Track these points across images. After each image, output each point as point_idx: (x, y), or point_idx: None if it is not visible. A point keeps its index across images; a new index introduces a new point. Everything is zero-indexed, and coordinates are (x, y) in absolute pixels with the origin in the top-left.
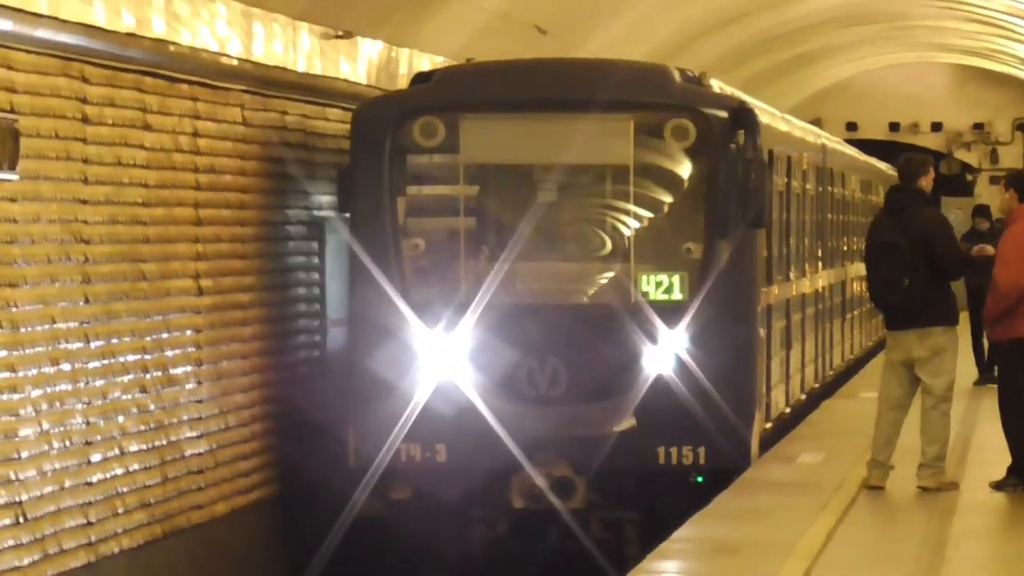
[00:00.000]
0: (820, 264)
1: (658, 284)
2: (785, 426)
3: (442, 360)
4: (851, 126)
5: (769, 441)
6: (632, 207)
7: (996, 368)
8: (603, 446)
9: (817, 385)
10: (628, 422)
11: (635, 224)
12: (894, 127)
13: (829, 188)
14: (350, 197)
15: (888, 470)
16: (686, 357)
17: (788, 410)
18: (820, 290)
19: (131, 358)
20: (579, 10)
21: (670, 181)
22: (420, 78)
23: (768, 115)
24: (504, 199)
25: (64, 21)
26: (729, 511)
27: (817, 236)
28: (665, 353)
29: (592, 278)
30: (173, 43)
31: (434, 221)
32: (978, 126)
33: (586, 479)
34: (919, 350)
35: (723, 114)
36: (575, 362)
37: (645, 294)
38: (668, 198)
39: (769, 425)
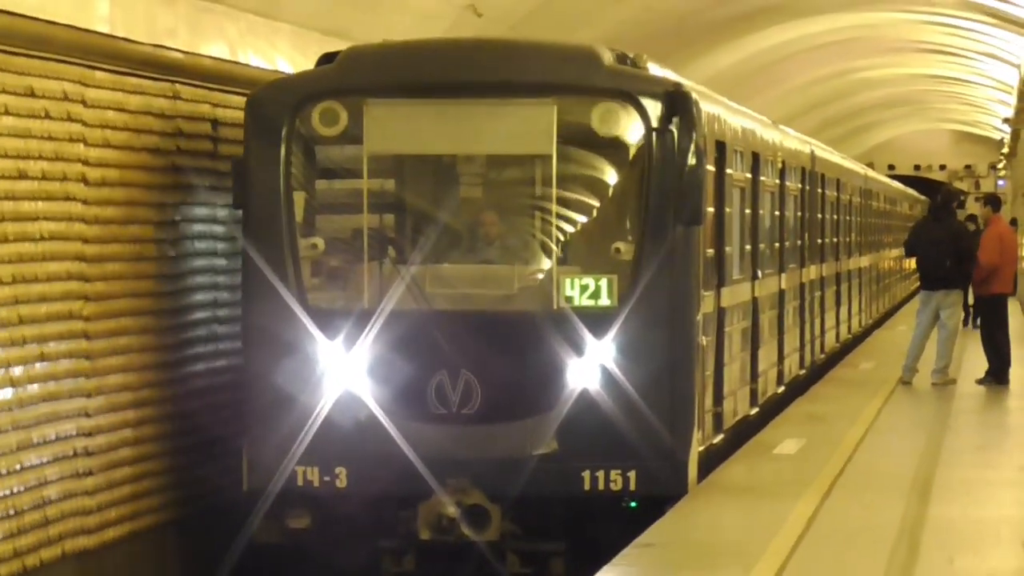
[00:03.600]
0: (808, 259)
1: (583, 288)
2: (751, 428)
3: (342, 373)
4: (891, 167)
5: (719, 455)
6: (555, 203)
7: (975, 315)
8: (521, 470)
9: (804, 371)
10: (549, 443)
11: (559, 222)
12: (917, 167)
13: (820, 190)
14: (243, 191)
15: (915, 373)
16: (615, 370)
17: (755, 411)
18: (807, 283)
19: None
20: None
21: (598, 173)
22: (325, 59)
23: (721, 106)
24: (413, 194)
25: None
26: (817, 396)
27: (803, 234)
28: (591, 366)
29: (510, 282)
30: None
31: (335, 219)
32: (967, 167)
33: (501, 507)
34: (943, 302)
35: (657, 98)
36: (490, 376)
37: (569, 300)
38: (596, 192)
39: (720, 438)
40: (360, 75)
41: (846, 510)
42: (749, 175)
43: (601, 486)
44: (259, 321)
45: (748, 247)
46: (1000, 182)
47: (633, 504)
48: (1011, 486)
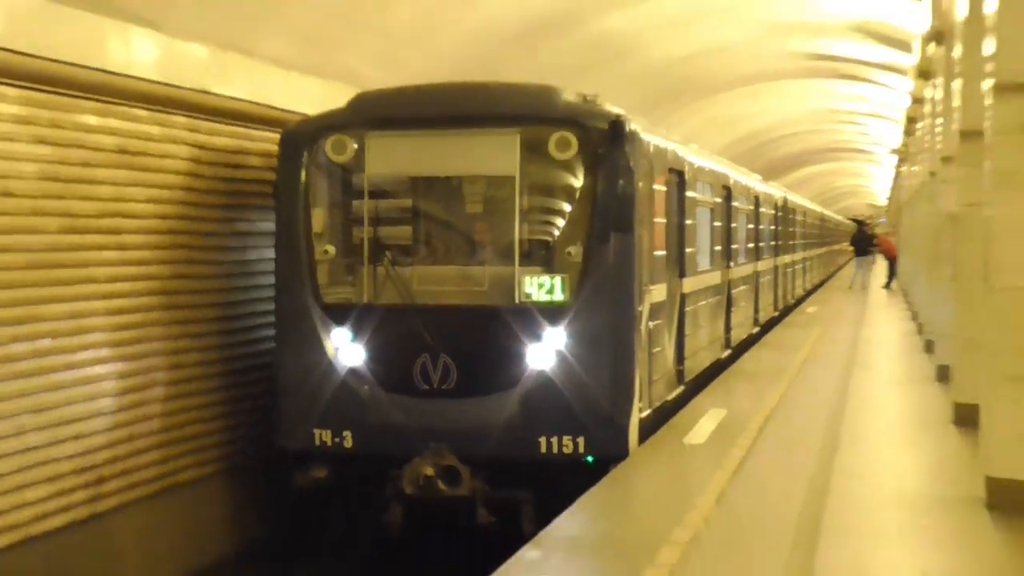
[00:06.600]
0: (782, 252)
1: (541, 286)
2: (725, 364)
3: (348, 355)
4: (846, 212)
5: (678, 404)
6: (518, 215)
7: (889, 269)
8: (489, 437)
9: (777, 313)
10: (512, 415)
11: (521, 230)
12: (857, 214)
13: (791, 216)
14: (276, 208)
15: (852, 285)
16: (567, 354)
17: (727, 353)
18: (779, 265)
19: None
20: None
21: (554, 190)
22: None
23: (681, 146)
24: (405, 209)
25: None
26: (815, 301)
27: (778, 238)
28: (548, 351)
29: (480, 281)
30: None
31: (343, 230)
32: (870, 216)
33: (471, 468)
34: (862, 261)
35: (602, 127)
36: (464, 359)
37: (528, 296)
38: (552, 206)
39: (680, 390)
40: (363, 113)
41: (833, 332)
42: (719, 199)
43: (555, 450)
44: (286, 312)
45: (719, 248)
46: (882, 219)
47: (590, 458)
48: (895, 320)
